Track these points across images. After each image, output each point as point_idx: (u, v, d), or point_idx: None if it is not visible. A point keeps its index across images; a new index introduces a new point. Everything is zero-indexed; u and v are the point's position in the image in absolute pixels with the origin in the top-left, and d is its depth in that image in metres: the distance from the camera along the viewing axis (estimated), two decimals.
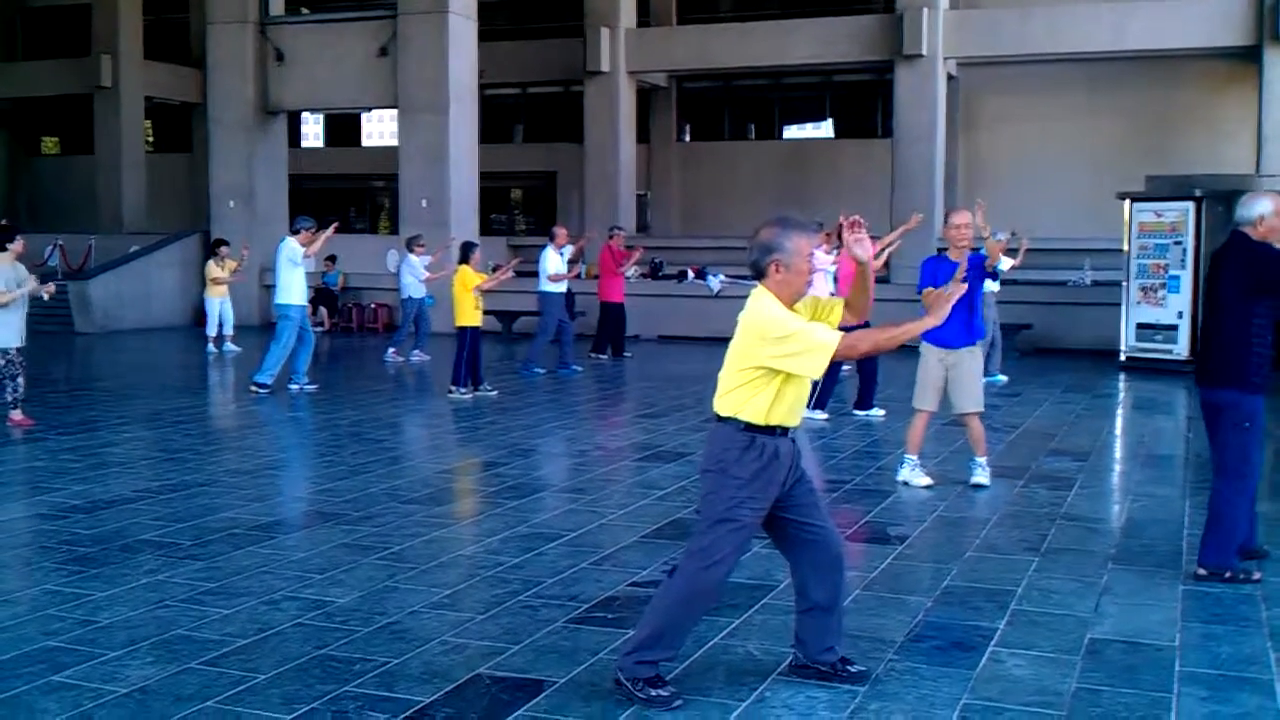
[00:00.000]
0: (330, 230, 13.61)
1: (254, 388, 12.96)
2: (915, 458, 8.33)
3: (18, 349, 10.71)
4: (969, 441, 8.34)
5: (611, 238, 17.36)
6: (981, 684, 4.58)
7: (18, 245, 10.83)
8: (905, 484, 8.22)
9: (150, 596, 5.64)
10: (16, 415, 10.67)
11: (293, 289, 13.13)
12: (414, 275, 16.78)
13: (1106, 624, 5.31)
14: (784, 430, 4.37)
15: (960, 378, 8.06)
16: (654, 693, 4.35)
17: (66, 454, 9.55)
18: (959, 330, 7.86)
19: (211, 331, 17.96)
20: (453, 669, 4.71)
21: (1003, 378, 14.01)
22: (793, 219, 4.39)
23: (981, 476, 8.20)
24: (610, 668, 4.61)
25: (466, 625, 5.25)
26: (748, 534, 4.42)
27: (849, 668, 4.59)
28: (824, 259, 10.46)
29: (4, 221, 10.47)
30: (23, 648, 4.93)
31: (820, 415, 11.08)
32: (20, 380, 10.74)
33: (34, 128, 37.81)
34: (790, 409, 4.36)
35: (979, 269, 7.99)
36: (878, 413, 11.34)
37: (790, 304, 4.33)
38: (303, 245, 13.10)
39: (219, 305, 17.99)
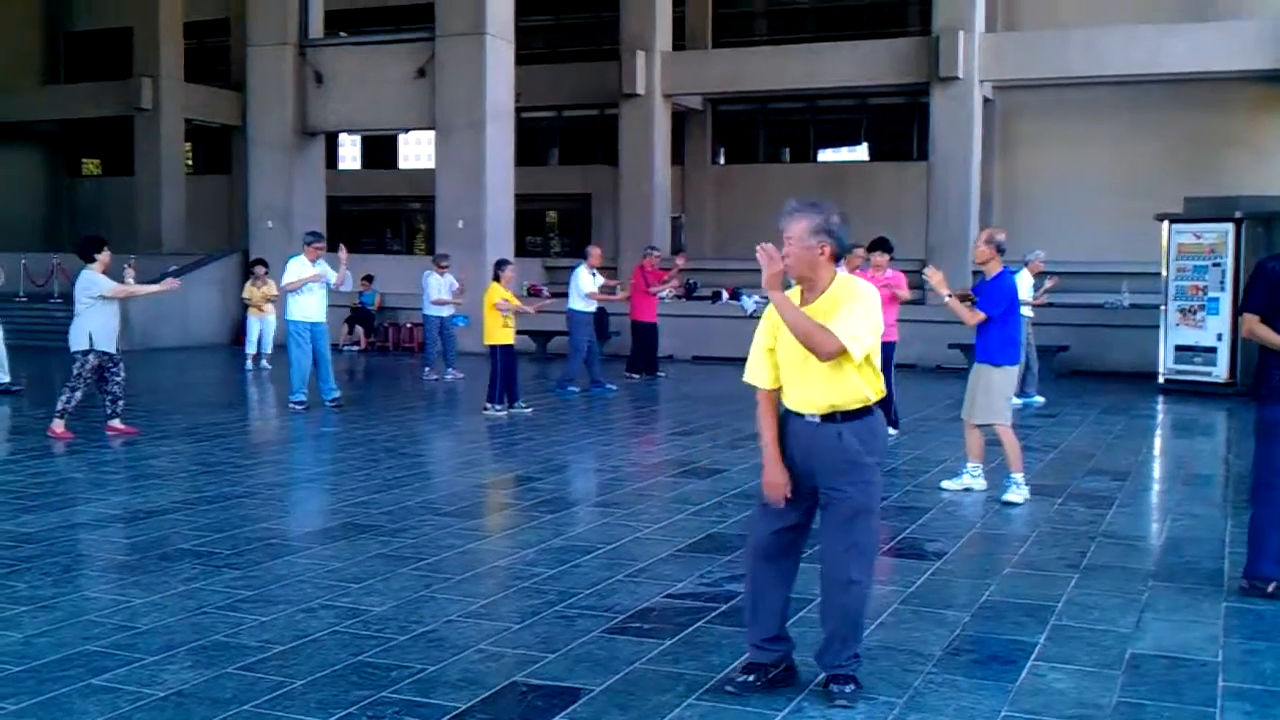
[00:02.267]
0: (320, 267, 13.44)
1: (293, 404, 13.09)
2: (971, 464, 8.65)
3: (99, 355, 10.83)
4: (1004, 459, 8.36)
5: (645, 258, 17.36)
6: (1021, 696, 4.53)
7: (105, 256, 10.97)
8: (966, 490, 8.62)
9: (188, 604, 5.67)
10: (58, 427, 10.77)
11: (291, 306, 13.37)
12: (426, 295, 16.83)
13: (1148, 639, 5.25)
14: (796, 413, 4.42)
15: (979, 391, 8.37)
16: (737, 675, 4.54)
17: (106, 466, 9.65)
18: (977, 348, 8.42)
19: (250, 349, 18.08)
20: (489, 676, 4.71)
21: (1039, 399, 13.92)
22: (793, 203, 4.41)
23: (1014, 494, 8.17)
24: (647, 676, 4.62)
25: (502, 634, 5.25)
26: (765, 498, 4.47)
27: (834, 688, 4.48)
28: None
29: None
30: (63, 651, 4.96)
31: (891, 432, 11.06)
32: (78, 393, 10.84)
33: (75, 149, 38.36)
34: (790, 392, 4.43)
35: (989, 295, 8.26)
36: (890, 432, 11.35)
37: (799, 284, 4.39)
38: (310, 260, 13.22)
39: (259, 324, 18.14)
